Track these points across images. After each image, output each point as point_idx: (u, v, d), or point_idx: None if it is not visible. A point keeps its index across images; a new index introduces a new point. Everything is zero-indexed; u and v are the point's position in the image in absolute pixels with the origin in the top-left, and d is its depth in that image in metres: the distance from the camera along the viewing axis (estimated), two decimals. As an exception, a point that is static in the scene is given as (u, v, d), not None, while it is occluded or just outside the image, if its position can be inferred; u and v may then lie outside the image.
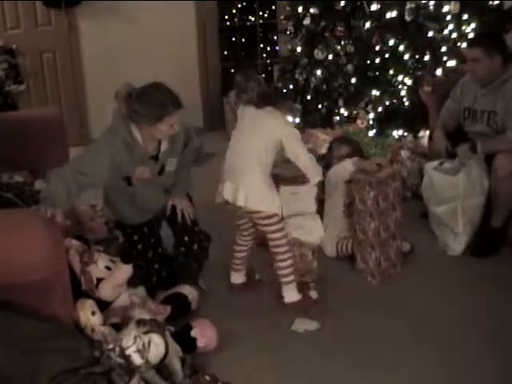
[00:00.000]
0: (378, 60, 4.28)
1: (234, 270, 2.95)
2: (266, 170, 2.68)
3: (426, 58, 4.09)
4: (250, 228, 2.87)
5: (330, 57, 4.54)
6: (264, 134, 2.66)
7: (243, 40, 6.43)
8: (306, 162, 2.70)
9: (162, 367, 2.09)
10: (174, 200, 2.81)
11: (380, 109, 4.31)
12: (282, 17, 5.26)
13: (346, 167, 3.05)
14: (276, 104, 2.73)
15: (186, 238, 2.78)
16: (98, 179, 2.58)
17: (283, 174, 2.90)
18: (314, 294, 2.78)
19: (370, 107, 4.38)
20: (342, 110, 4.58)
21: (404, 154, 3.96)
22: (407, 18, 4.05)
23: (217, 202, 2.75)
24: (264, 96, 2.69)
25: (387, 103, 4.28)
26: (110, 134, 2.64)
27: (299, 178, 2.82)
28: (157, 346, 2.01)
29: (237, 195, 2.64)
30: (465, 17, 4.00)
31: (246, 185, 2.63)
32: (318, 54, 4.54)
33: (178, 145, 2.79)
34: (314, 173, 2.74)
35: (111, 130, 2.65)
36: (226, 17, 6.33)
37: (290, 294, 2.74)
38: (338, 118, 4.61)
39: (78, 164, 2.53)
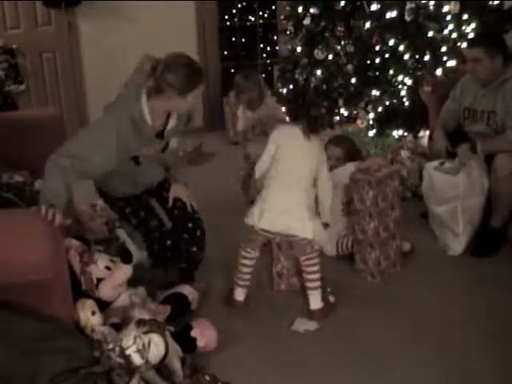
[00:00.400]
0: (378, 60, 4.28)
1: (239, 286, 2.80)
2: (311, 196, 2.67)
3: (426, 58, 4.08)
4: (262, 242, 2.81)
5: (330, 57, 4.54)
6: (310, 160, 2.66)
7: (243, 40, 6.43)
8: (329, 201, 2.73)
9: (162, 367, 2.09)
10: (176, 191, 2.80)
11: (380, 109, 4.31)
12: (282, 17, 5.26)
13: (348, 171, 3.01)
14: (318, 131, 2.76)
15: (190, 225, 2.79)
16: (104, 167, 2.47)
17: None
18: (331, 299, 2.78)
19: (370, 107, 4.38)
20: (342, 110, 4.58)
21: (404, 153, 3.96)
22: (407, 18, 4.05)
23: (246, 222, 2.71)
24: (313, 122, 2.69)
25: (387, 103, 4.28)
26: (116, 114, 2.49)
27: None
28: (157, 346, 2.00)
29: (280, 222, 2.61)
30: (465, 17, 4.00)
31: (295, 212, 2.61)
32: (318, 53, 4.54)
33: (181, 123, 2.76)
34: (328, 215, 2.76)
35: (118, 110, 2.50)
36: (226, 17, 6.33)
37: (316, 301, 2.72)
38: (338, 117, 4.61)
39: (82, 150, 2.37)
